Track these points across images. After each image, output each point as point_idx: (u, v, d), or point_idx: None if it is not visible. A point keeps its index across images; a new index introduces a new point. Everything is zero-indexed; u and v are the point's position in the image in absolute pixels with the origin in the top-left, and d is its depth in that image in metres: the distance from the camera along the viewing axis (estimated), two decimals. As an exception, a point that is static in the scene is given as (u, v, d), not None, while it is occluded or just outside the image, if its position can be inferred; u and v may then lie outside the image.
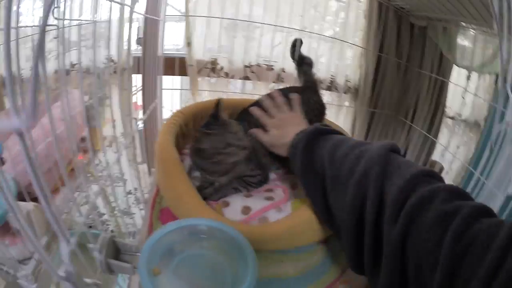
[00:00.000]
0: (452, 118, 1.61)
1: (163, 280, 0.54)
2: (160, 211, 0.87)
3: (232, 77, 1.34)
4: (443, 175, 1.48)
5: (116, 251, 0.56)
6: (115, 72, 1.30)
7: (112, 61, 1.29)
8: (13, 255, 0.49)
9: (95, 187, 1.09)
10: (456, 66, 1.38)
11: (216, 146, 0.81)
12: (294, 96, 0.85)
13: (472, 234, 0.33)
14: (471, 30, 1.17)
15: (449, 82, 1.38)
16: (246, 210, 0.81)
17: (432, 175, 0.43)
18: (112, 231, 1.33)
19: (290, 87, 1.02)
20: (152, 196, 0.90)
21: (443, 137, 1.53)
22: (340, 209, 0.51)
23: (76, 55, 1.22)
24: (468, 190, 1.13)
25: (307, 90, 1.02)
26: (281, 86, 1.36)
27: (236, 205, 0.82)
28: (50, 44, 1.15)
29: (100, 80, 1.21)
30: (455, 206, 0.36)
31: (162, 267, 0.55)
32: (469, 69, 1.22)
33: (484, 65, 1.18)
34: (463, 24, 1.21)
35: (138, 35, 1.28)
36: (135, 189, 1.61)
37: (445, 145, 1.39)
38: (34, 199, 0.91)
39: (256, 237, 0.70)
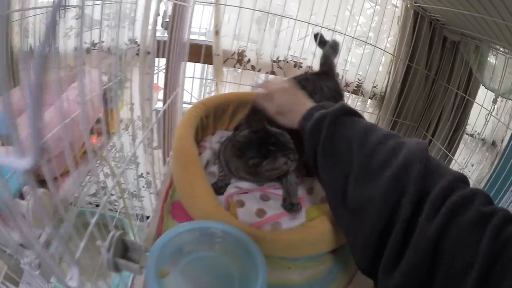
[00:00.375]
0: (471, 135, 1.59)
1: (170, 281, 0.53)
2: (172, 205, 0.86)
3: (259, 70, 1.30)
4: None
5: (124, 249, 0.54)
6: (137, 54, 1.28)
7: (136, 43, 1.27)
8: (16, 239, 0.48)
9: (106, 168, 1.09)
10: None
11: (269, 169, 0.76)
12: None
13: (509, 234, 0.34)
14: (504, 53, 1.13)
15: (474, 102, 1.33)
16: (260, 213, 0.80)
17: (467, 180, 0.43)
18: (120, 212, 1.33)
19: (303, 74, 0.96)
20: (166, 188, 0.88)
21: (459, 153, 1.50)
22: (365, 201, 0.46)
23: (98, 34, 1.22)
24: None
25: (322, 76, 0.95)
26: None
27: (251, 206, 0.81)
28: (72, 22, 1.13)
29: (121, 62, 1.18)
30: (492, 209, 0.37)
31: (170, 267, 0.54)
32: (496, 92, 1.17)
33: (511, 91, 1.15)
34: (496, 46, 1.16)
35: (164, 18, 1.24)
36: (148, 173, 1.61)
37: (461, 161, 1.35)
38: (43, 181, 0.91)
39: (267, 243, 0.69)
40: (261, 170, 0.76)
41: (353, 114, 0.60)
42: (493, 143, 1.39)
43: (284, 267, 0.75)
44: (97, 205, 1.74)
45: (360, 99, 1.39)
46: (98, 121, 1.25)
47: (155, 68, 1.24)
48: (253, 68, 1.29)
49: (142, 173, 1.70)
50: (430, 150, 1.44)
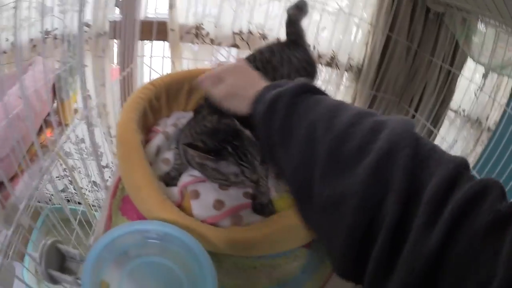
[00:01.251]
0: (455, 111, 1.51)
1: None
2: (122, 200, 0.73)
3: (219, 44, 1.15)
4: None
5: (61, 258, 0.46)
6: (90, 38, 1.15)
7: (88, 26, 1.13)
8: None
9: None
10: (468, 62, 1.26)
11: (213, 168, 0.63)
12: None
13: None
14: (494, 26, 1.02)
15: (461, 76, 1.23)
16: (218, 204, 0.67)
17: (469, 166, 0.32)
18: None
19: (266, 45, 0.82)
20: (115, 181, 0.75)
21: (443, 129, 1.41)
22: (338, 199, 0.34)
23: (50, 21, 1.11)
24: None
25: (289, 45, 0.82)
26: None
27: (208, 197, 0.68)
28: (26, 12, 1.02)
29: (71, 48, 1.06)
30: (510, 207, 0.27)
31: (114, 273, 0.50)
32: (486, 66, 1.07)
33: (504, 66, 1.05)
34: (486, 19, 1.05)
35: None
36: (112, 163, 1.50)
37: (446, 138, 1.26)
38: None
39: (225, 242, 0.59)
40: (206, 168, 0.63)
41: (315, 91, 0.47)
42: (478, 120, 1.30)
43: (249, 267, 0.65)
44: (69, 200, 1.66)
45: (335, 73, 1.26)
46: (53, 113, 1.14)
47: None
48: (212, 41, 1.14)
49: (107, 164, 1.58)
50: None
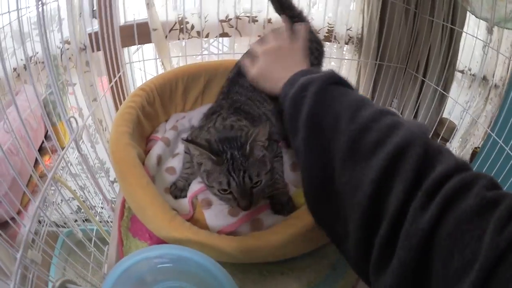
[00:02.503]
0: (461, 72, 1.42)
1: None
2: (131, 220, 0.66)
3: (207, 36, 1.05)
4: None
5: None
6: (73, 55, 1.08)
7: (68, 42, 1.05)
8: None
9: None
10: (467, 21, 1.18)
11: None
12: (300, 26, 0.65)
13: None
14: None
15: (466, 33, 1.13)
16: (235, 210, 0.60)
17: (470, 168, 0.36)
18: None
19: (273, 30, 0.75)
20: (121, 200, 0.68)
21: (452, 92, 1.34)
22: (353, 186, 0.38)
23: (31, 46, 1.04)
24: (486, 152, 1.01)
25: None
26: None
27: (221, 204, 0.61)
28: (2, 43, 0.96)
29: (55, 68, 0.99)
30: (497, 195, 0.30)
31: None
32: (489, 21, 0.98)
33: (508, 20, 0.97)
34: None
35: (92, 7, 1.02)
36: None
37: (457, 101, 1.18)
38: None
39: (247, 252, 0.53)
40: (202, 168, 0.57)
41: (344, 84, 0.50)
42: (484, 78, 1.22)
43: (276, 273, 0.58)
44: (86, 219, 1.61)
45: (335, 46, 1.16)
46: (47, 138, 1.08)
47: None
48: (199, 34, 1.05)
49: (115, 178, 1.52)
50: (424, 92, 1.29)
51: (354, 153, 0.39)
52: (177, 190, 0.65)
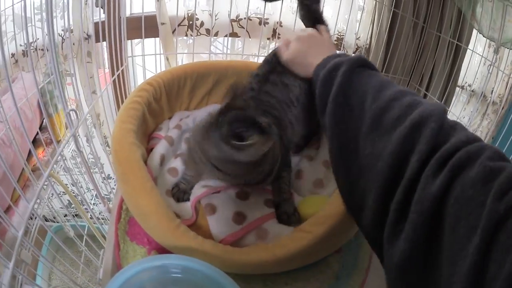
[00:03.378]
0: (462, 87, 1.41)
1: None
2: (128, 222, 0.62)
3: (216, 34, 1.01)
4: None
5: None
6: (74, 44, 1.03)
7: (71, 31, 1.00)
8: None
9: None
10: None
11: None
12: (322, 26, 0.70)
13: None
14: (501, 0, 0.94)
15: (472, 51, 1.12)
16: (239, 218, 0.57)
17: (480, 141, 0.38)
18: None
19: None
20: (118, 201, 0.64)
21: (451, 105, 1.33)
22: (376, 157, 0.41)
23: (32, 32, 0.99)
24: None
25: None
26: (278, 43, 1.06)
27: (225, 210, 0.58)
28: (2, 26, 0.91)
29: (56, 56, 0.95)
30: (501, 165, 0.32)
31: None
32: (496, 42, 0.98)
33: None
34: None
35: None
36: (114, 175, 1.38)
37: (456, 116, 1.17)
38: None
39: (252, 264, 0.50)
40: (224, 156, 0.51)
41: (370, 66, 0.54)
42: (482, 94, 1.23)
43: (279, 284, 0.56)
44: (77, 215, 1.55)
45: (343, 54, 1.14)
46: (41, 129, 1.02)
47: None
48: (208, 32, 1.01)
49: (109, 174, 1.47)
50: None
51: (376, 128, 0.43)
52: (180, 193, 0.62)
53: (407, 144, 0.38)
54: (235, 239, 0.54)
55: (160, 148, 0.66)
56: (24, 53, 1.08)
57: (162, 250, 0.55)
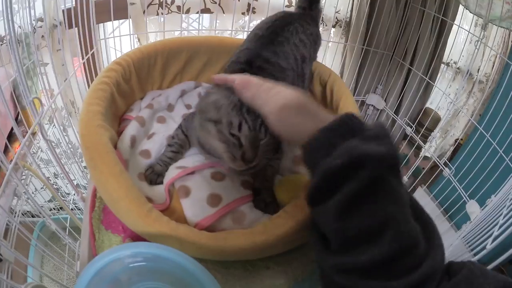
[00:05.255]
0: (447, 64, 1.37)
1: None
2: (103, 211, 0.57)
3: (187, 11, 0.94)
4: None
5: None
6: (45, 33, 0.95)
7: (41, 20, 0.92)
8: None
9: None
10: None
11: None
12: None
13: None
14: None
15: (458, 27, 1.08)
16: (214, 200, 0.53)
17: None
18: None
19: (278, 16, 0.66)
20: (91, 192, 0.58)
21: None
22: None
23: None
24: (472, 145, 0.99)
25: (303, 18, 0.67)
26: (253, 19, 0.99)
27: (200, 192, 0.53)
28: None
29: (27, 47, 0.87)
30: None
31: None
32: (484, 18, 0.93)
33: (503, 19, 0.93)
34: None
35: None
36: None
37: (444, 92, 1.13)
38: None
39: (230, 251, 0.46)
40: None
41: (396, 169, 0.37)
42: (468, 72, 1.18)
43: (260, 268, 0.52)
44: (60, 209, 1.49)
45: (322, 28, 1.08)
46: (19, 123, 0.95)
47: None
48: (179, 9, 0.94)
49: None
50: (410, 80, 1.24)
51: (386, 268, 0.35)
52: (153, 174, 0.57)
53: None
54: (210, 222, 0.50)
55: (131, 129, 0.61)
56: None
57: (137, 237, 0.51)
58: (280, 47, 0.58)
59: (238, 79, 0.46)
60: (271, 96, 0.42)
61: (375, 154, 0.35)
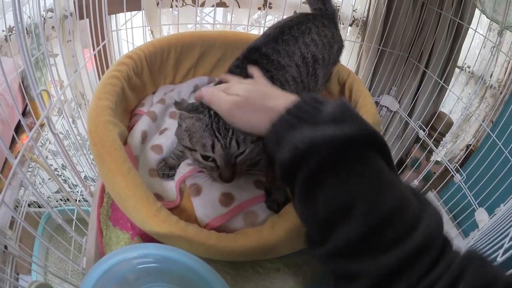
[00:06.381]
0: (460, 68, 1.34)
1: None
2: (111, 207, 0.56)
3: (203, 4, 0.92)
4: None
5: None
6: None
7: (51, 10, 0.92)
8: None
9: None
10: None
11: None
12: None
13: None
14: None
15: (475, 31, 1.04)
16: (226, 200, 0.51)
17: (477, 258, 0.33)
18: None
19: (293, 17, 0.64)
20: (99, 187, 0.57)
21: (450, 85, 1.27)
22: (355, 273, 0.34)
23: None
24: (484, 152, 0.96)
25: (318, 19, 0.65)
26: (269, 14, 0.97)
27: (212, 191, 0.52)
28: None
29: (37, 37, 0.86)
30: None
31: None
32: (501, 24, 0.91)
33: None
34: None
35: None
36: None
37: (458, 97, 1.10)
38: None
39: (241, 250, 0.44)
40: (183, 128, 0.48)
41: (362, 142, 0.36)
42: (481, 77, 1.15)
43: (270, 270, 0.51)
44: (67, 200, 1.50)
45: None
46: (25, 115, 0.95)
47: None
48: (193, 1, 0.92)
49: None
50: (424, 83, 1.22)
51: (365, 246, 0.34)
52: (166, 168, 0.56)
53: (399, 272, 0.32)
54: (221, 222, 0.48)
55: (142, 124, 0.59)
56: (6, 39, 1.00)
57: (145, 235, 0.50)
58: (284, 46, 0.57)
59: (203, 93, 0.46)
60: (222, 99, 0.43)
61: (325, 138, 0.34)
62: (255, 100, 0.42)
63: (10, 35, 0.94)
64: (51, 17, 0.95)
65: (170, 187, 0.54)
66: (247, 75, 0.50)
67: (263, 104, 0.41)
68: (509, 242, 0.58)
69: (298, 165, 0.35)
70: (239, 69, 0.52)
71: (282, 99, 0.40)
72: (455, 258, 0.33)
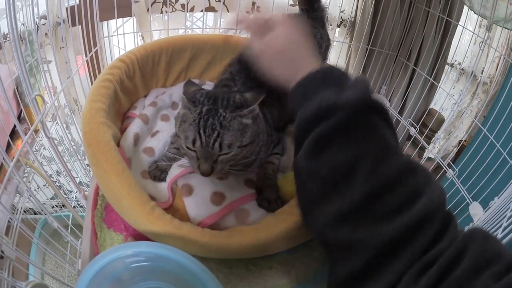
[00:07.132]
0: (451, 65, 1.36)
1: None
2: (105, 209, 0.57)
3: (192, 9, 0.95)
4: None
5: None
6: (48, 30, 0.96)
7: (44, 17, 0.93)
8: None
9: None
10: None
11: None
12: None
13: None
14: None
15: (463, 28, 1.07)
16: (218, 198, 0.52)
17: (479, 234, 0.33)
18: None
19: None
20: (94, 187, 0.58)
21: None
22: (355, 243, 0.35)
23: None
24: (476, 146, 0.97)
25: (315, 20, 0.68)
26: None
27: (203, 191, 0.53)
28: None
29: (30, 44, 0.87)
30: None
31: None
32: (489, 20, 0.93)
33: (508, 20, 0.93)
34: None
35: None
36: None
37: (448, 93, 1.12)
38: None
39: (233, 248, 0.45)
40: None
41: (376, 110, 0.38)
42: (472, 73, 1.17)
43: (263, 268, 0.51)
44: (62, 206, 1.50)
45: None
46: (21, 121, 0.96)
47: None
48: (183, 7, 0.94)
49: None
50: (414, 81, 1.23)
51: (367, 212, 0.34)
52: (157, 170, 0.57)
53: (402, 240, 0.33)
54: (214, 221, 0.49)
55: (134, 127, 0.60)
56: (1, 46, 1.01)
57: (139, 236, 0.50)
58: None
59: (250, 20, 0.48)
60: (256, 41, 0.46)
61: (348, 100, 0.36)
62: (285, 55, 0.43)
63: (4, 42, 0.95)
64: (44, 24, 0.96)
65: (163, 188, 0.55)
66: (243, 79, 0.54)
67: (291, 62, 0.43)
68: (502, 232, 0.60)
69: (319, 121, 0.37)
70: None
71: (310, 61, 0.43)
72: (458, 234, 0.33)
